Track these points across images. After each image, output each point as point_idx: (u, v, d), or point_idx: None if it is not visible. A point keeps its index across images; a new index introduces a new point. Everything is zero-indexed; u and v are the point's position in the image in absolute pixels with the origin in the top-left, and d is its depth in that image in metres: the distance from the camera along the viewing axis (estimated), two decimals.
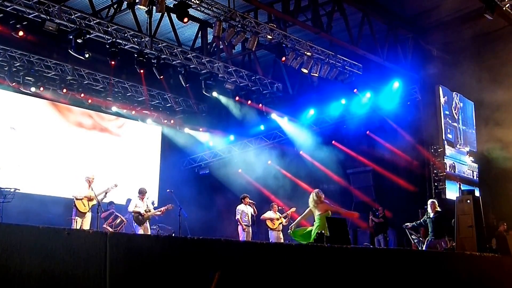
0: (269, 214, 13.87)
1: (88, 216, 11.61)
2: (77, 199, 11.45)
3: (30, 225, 4.18)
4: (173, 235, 13.80)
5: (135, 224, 12.27)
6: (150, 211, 12.46)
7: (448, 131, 15.85)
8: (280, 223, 13.86)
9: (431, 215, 11.67)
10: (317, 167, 17.50)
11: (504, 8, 12.47)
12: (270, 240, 13.35)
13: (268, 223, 13.80)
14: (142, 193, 12.49)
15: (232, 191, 18.49)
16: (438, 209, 11.84)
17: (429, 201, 12.11)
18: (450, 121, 16.04)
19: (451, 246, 11.65)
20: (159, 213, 12.85)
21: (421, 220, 12.09)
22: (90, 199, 11.49)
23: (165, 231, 14.60)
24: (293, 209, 14.12)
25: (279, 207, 14.51)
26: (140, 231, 12.18)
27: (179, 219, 12.89)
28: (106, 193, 11.71)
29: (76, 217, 11.39)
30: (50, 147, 16.29)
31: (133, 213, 12.30)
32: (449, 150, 15.64)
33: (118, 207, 14.58)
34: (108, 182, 12.24)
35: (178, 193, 14.49)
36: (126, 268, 4.36)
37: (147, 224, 12.43)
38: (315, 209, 9.40)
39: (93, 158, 17.01)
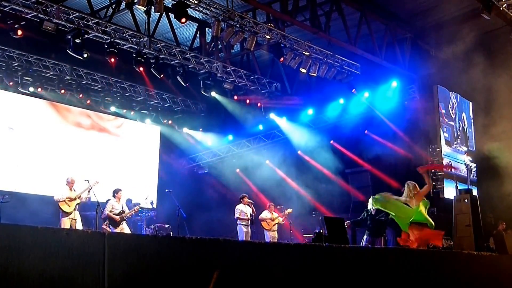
0: (265, 214, 13.87)
1: (77, 214, 11.70)
2: (59, 201, 11.61)
3: (28, 225, 4.20)
4: (171, 234, 13.83)
5: (110, 225, 12.19)
6: (125, 212, 12.42)
7: (445, 130, 15.90)
8: (275, 224, 13.87)
9: (372, 212, 11.20)
10: (315, 166, 17.51)
11: (501, 8, 12.52)
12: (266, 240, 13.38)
13: (264, 224, 13.81)
14: (117, 192, 12.45)
15: (231, 191, 18.50)
16: None
17: (372, 197, 11.59)
18: (446, 120, 16.08)
19: (448, 245, 11.67)
20: (129, 214, 12.76)
21: (362, 216, 11.61)
22: (72, 199, 11.66)
23: (163, 230, 14.62)
24: (290, 210, 14.09)
25: (278, 206, 14.53)
26: None
27: (178, 219, 12.91)
28: (89, 191, 11.74)
29: (63, 219, 11.55)
30: (48, 147, 16.28)
31: (108, 215, 12.22)
32: (445, 149, 15.67)
33: None
34: (107, 182, 12.25)
35: (177, 192, 14.52)
36: (125, 268, 4.37)
37: (124, 225, 12.33)
38: (411, 200, 9.24)
39: (91, 158, 17.02)
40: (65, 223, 11.45)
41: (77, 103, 17.07)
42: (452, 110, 16.41)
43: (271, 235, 13.75)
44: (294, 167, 17.94)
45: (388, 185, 16.25)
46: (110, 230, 11.92)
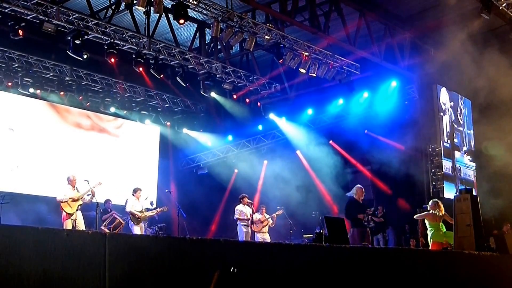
0: (255, 216, 13.81)
1: (79, 215, 11.54)
2: (62, 202, 11.35)
3: (29, 226, 4.20)
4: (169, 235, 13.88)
5: (132, 222, 12.35)
6: (145, 211, 12.58)
7: (454, 135, 15.99)
8: (265, 226, 13.79)
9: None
10: (315, 166, 17.52)
11: (500, 8, 12.53)
12: None
13: (253, 226, 13.73)
14: (136, 191, 12.56)
15: (230, 191, 18.52)
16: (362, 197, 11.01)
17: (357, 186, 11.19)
18: (455, 126, 16.16)
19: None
20: (154, 214, 12.93)
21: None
22: (75, 200, 11.44)
23: (162, 229, 14.69)
24: (280, 211, 14.00)
25: (278, 207, 14.49)
26: (137, 231, 12.27)
27: (178, 219, 12.92)
28: (92, 192, 11.60)
29: (65, 221, 11.32)
30: (48, 148, 16.28)
31: (130, 213, 12.37)
32: (457, 155, 15.83)
33: (116, 208, 14.58)
34: (106, 183, 12.23)
35: (176, 193, 14.54)
36: (125, 268, 4.38)
37: (143, 224, 12.56)
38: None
39: (91, 159, 17.01)
40: (67, 225, 11.22)
41: (77, 104, 17.07)
42: (460, 116, 16.49)
43: (260, 237, 13.67)
44: (294, 167, 17.94)
45: (388, 184, 16.31)
46: (108, 231, 11.92)
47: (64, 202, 11.35)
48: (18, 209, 13.35)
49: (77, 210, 11.46)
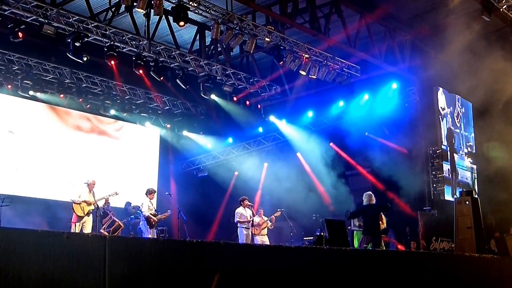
0: (254, 219, 13.79)
1: (89, 220, 11.48)
2: (75, 203, 11.32)
3: (29, 228, 4.18)
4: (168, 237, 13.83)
5: (148, 226, 12.14)
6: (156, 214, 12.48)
7: (453, 139, 16.01)
8: (264, 228, 13.77)
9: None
10: (315, 169, 17.50)
11: (501, 10, 12.53)
12: None
13: (253, 229, 13.71)
14: (151, 193, 12.47)
15: (231, 194, 18.50)
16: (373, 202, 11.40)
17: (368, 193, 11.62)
18: (453, 128, 16.16)
19: (449, 247, 11.65)
20: (162, 217, 12.88)
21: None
22: (88, 204, 11.38)
23: (163, 232, 14.66)
24: (279, 213, 13.98)
25: (278, 209, 14.46)
26: (150, 235, 12.12)
27: (178, 222, 12.91)
28: (106, 200, 11.60)
29: (75, 222, 11.28)
30: (48, 151, 16.27)
31: (147, 216, 12.18)
32: (454, 157, 15.84)
33: (115, 210, 14.55)
34: (106, 185, 12.23)
35: (176, 195, 14.51)
36: (126, 271, 4.36)
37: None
38: None
39: (91, 161, 17.00)
40: (75, 228, 11.16)
41: (76, 106, 17.06)
42: (457, 119, 16.48)
43: (259, 240, 13.66)
44: (294, 170, 17.93)
45: (388, 187, 16.29)
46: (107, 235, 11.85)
47: (77, 204, 11.28)
48: (18, 212, 13.32)
49: (87, 214, 11.41)
